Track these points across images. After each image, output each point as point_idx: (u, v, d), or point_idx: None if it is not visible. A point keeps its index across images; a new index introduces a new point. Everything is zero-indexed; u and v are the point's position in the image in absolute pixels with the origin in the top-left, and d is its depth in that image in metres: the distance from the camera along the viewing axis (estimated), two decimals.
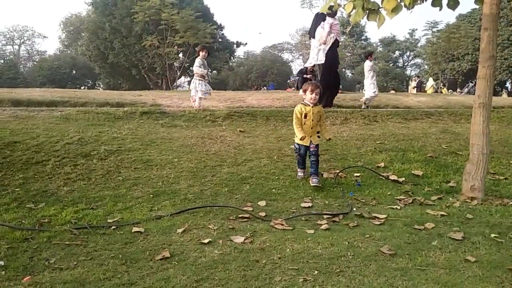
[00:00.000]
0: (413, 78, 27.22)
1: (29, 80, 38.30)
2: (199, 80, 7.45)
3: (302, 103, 4.44)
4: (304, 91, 4.44)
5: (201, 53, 7.67)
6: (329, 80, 7.85)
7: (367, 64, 9.00)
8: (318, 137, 4.48)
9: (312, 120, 4.37)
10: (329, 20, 7.67)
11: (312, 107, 4.37)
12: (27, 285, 2.22)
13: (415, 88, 23.40)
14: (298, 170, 4.54)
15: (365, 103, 8.86)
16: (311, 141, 4.38)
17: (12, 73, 37.37)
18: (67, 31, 49.62)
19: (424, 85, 24.07)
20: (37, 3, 79.76)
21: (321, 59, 7.73)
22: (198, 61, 7.60)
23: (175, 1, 22.75)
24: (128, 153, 4.90)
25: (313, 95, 4.34)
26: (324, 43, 7.72)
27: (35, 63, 46.10)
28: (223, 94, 11.25)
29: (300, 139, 4.40)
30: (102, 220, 3.30)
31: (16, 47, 50.87)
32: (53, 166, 4.42)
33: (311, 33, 8.10)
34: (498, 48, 4.91)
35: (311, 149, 4.37)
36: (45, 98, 7.86)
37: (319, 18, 7.87)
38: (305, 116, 4.36)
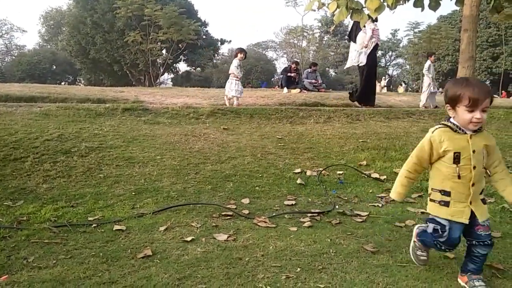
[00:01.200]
0: (383, 78, 27.39)
1: (7, 75, 37.38)
2: (236, 80, 7.87)
3: (445, 125, 2.11)
4: (453, 104, 2.04)
5: (239, 55, 8.12)
6: (370, 80, 8.48)
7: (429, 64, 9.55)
8: (484, 202, 2.10)
9: (474, 167, 2.01)
10: (371, 25, 8.12)
11: (471, 136, 2.02)
12: (5, 285, 2.17)
13: (385, 87, 23.58)
14: (417, 251, 2.35)
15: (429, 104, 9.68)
16: (472, 214, 2.04)
17: None
18: (47, 25, 48.62)
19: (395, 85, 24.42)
20: None
21: (363, 61, 8.20)
22: (236, 62, 8.01)
23: None
24: (109, 150, 4.83)
25: (477, 113, 1.95)
26: (366, 47, 8.19)
27: (14, 57, 45.00)
28: (207, 91, 11.19)
29: (395, 198, 2.29)
30: (83, 218, 3.25)
31: None
32: (32, 163, 4.32)
33: (351, 37, 8.58)
34: (477, 49, 5.10)
35: (480, 232, 2.05)
36: (24, 94, 7.68)
37: (360, 23, 8.20)
38: (457, 159, 2.02)
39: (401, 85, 25.58)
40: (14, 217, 3.19)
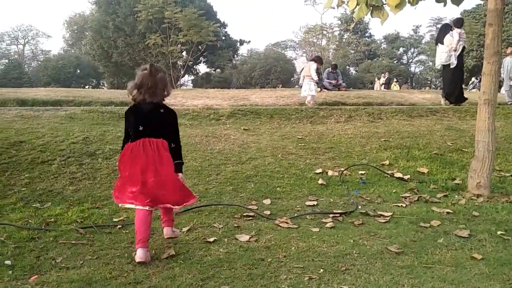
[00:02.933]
0: (382, 75, 26.65)
1: (33, 80, 38.46)
2: (311, 81, 8.60)
3: None
4: None
5: (317, 63, 9.08)
6: (458, 80, 9.04)
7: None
8: None
9: None
10: (457, 30, 8.78)
11: None
12: (34, 285, 2.23)
13: (383, 85, 22.98)
14: None
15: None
16: None
17: (16, 72, 37.52)
18: (71, 30, 49.78)
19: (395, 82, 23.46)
20: (41, 3, 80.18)
21: (454, 62, 8.76)
22: (315, 66, 8.84)
23: (178, 0, 22.75)
24: None
25: None
26: (455, 50, 8.70)
27: (40, 62, 46.24)
28: (226, 92, 11.25)
29: None
30: (108, 219, 3.32)
31: (21, 46, 51.12)
32: (59, 165, 4.44)
33: (440, 39, 9.06)
34: (503, 44, 5.07)
35: None
36: (50, 98, 7.90)
37: (447, 28, 9.05)
38: None
39: (396, 81, 24.64)
40: (43, 219, 3.29)
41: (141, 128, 2.60)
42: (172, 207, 2.65)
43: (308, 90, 8.67)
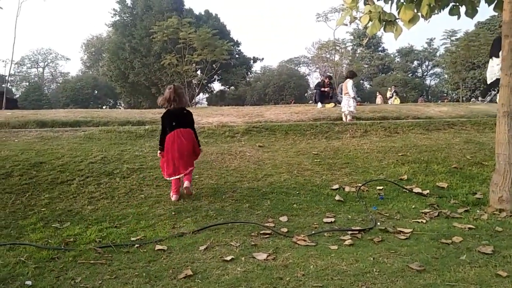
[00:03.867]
0: (389, 89, 26.20)
1: (53, 101, 39.42)
2: (352, 99, 8.73)
3: None
4: None
5: (351, 78, 9.18)
6: None
7: None
8: None
9: None
10: None
11: None
12: None
13: (390, 99, 22.64)
14: None
15: None
16: None
17: (36, 95, 38.55)
18: (89, 52, 51.11)
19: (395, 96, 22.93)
20: (60, 27, 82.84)
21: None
22: (351, 83, 9.01)
23: (192, 20, 23.22)
24: (150, 171, 4.97)
25: None
26: None
27: (59, 84, 47.44)
28: (241, 109, 11.31)
29: None
30: (126, 238, 3.33)
31: (41, 69, 52.61)
32: (78, 185, 4.51)
33: (494, 53, 9.20)
34: None
35: None
36: (69, 119, 8.07)
37: (500, 41, 8.97)
38: None
39: (396, 94, 24.00)
40: (62, 239, 3.33)
41: (174, 124, 4.30)
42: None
43: (347, 105, 8.78)
